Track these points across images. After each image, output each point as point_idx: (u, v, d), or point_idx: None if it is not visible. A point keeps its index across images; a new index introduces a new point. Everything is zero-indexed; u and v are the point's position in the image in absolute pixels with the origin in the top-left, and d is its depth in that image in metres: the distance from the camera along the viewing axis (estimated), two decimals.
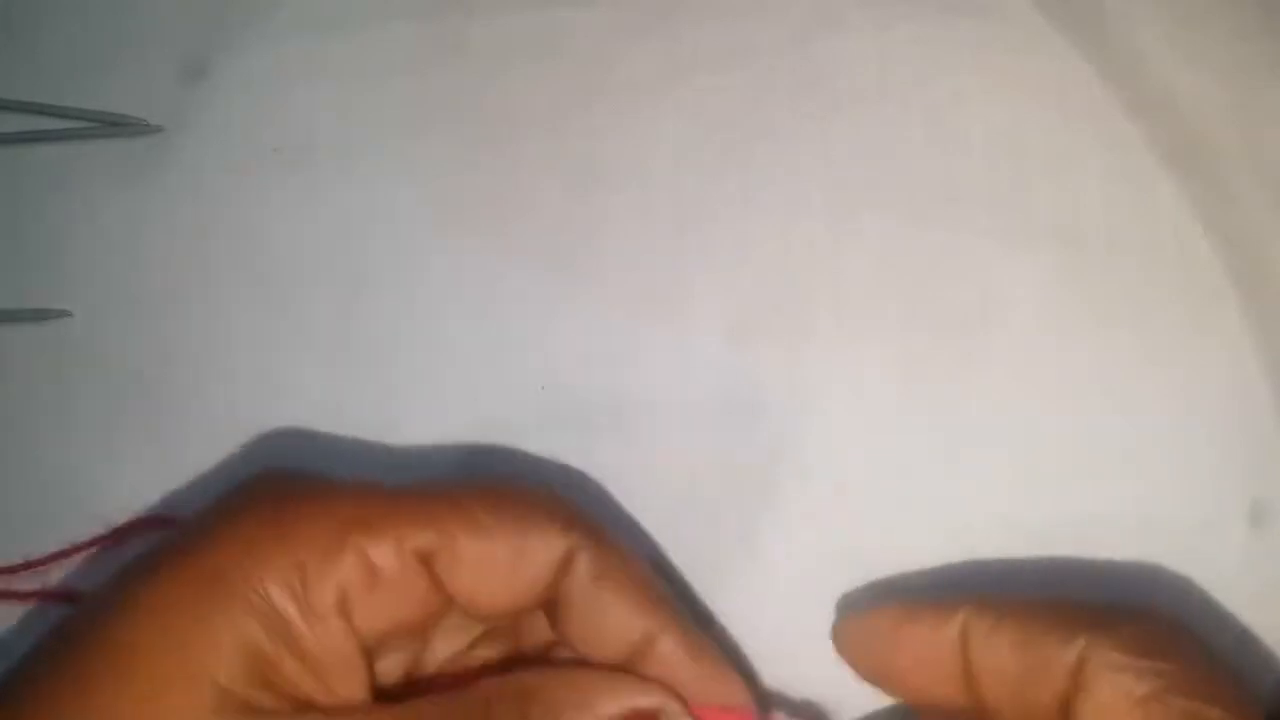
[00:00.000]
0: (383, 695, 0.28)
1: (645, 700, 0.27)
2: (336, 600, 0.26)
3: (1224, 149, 0.35)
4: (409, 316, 0.35)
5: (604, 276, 0.36)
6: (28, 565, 0.33)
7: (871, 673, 0.29)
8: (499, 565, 0.27)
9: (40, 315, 0.36)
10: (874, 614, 0.29)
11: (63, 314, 0.36)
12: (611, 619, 0.28)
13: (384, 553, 0.26)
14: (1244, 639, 0.32)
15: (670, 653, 0.28)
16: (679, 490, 0.34)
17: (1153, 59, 0.36)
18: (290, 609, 0.26)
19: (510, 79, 0.37)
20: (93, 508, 0.34)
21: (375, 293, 0.36)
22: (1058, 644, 0.26)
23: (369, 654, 0.27)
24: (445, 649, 0.30)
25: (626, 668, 0.28)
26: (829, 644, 0.31)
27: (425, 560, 0.27)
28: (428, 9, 0.37)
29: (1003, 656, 0.27)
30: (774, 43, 0.36)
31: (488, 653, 0.30)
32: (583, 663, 0.28)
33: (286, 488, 0.28)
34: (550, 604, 0.28)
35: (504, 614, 0.28)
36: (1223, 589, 0.33)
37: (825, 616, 0.32)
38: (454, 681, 0.29)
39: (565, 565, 0.27)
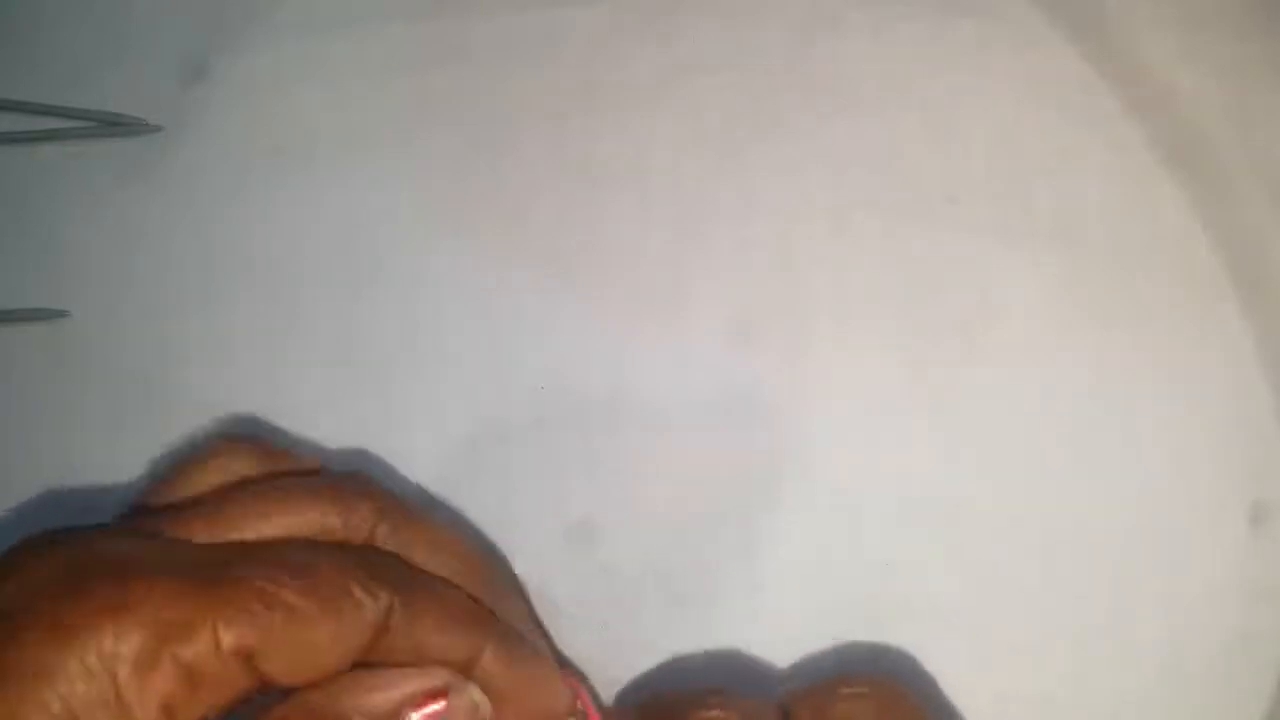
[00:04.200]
0: None
1: (429, 682, 0.27)
2: (161, 714, 0.25)
3: (1224, 149, 0.35)
4: (409, 316, 0.35)
5: (603, 277, 0.36)
6: None
7: None
8: (318, 648, 0.27)
9: (40, 315, 0.36)
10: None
11: (62, 314, 0.36)
12: (433, 651, 0.28)
13: (201, 655, 0.26)
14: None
15: (491, 665, 0.28)
16: (678, 490, 0.34)
17: (1153, 59, 0.36)
18: None
19: (510, 79, 0.37)
20: (93, 508, 0.34)
21: (375, 293, 0.36)
22: None
23: None
24: None
25: None
26: (828, 642, 0.31)
27: (245, 657, 0.26)
28: (428, 9, 0.37)
29: None
30: (774, 43, 0.36)
31: None
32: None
33: (75, 577, 0.26)
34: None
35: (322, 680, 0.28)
36: (1223, 589, 0.33)
37: (825, 616, 0.32)
38: None
39: (382, 627, 0.27)
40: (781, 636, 0.33)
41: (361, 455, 0.35)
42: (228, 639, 0.26)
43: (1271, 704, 0.33)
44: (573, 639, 0.33)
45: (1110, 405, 0.34)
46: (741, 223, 0.36)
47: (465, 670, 0.28)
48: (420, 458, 0.35)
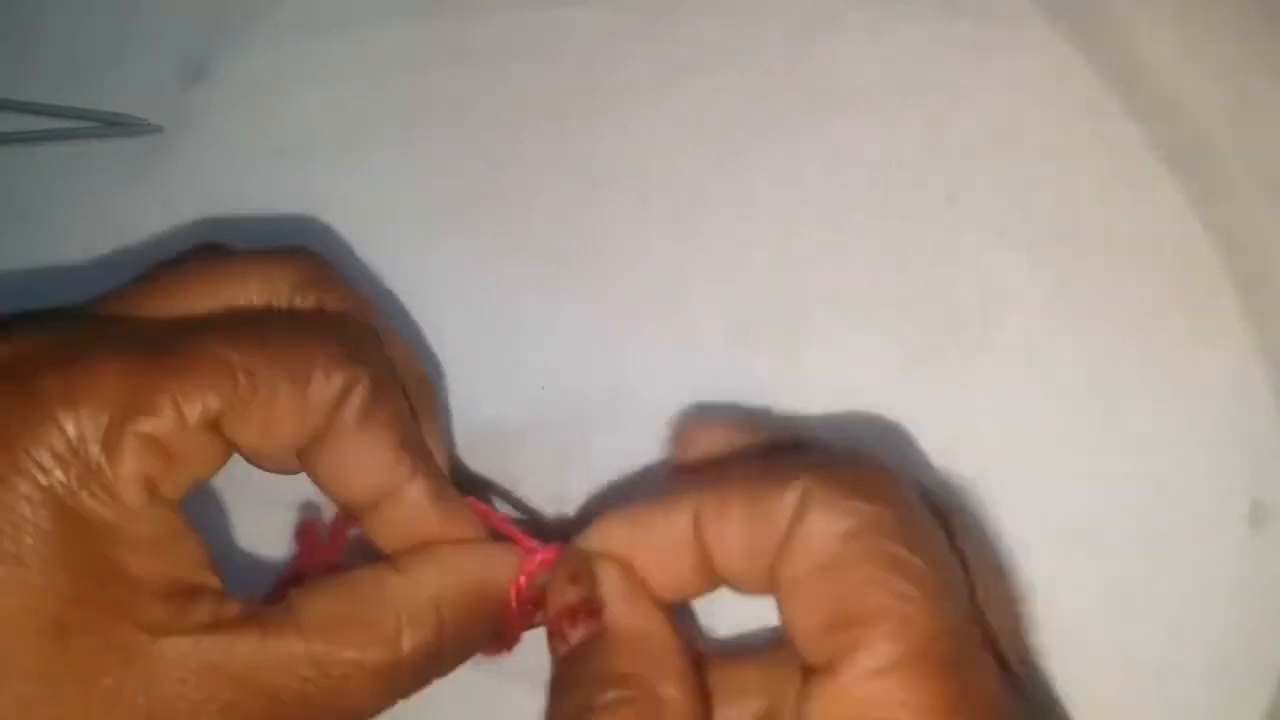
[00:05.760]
0: None
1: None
2: (142, 489, 0.26)
3: (1224, 149, 0.35)
4: (409, 317, 0.35)
5: (604, 276, 0.36)
6: None
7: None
8: (285, 416, 0.27)
9: None
10: (602, 526, 0.29)
11: None
12: (368, 462, 0.28)
13: (166, 429, 0.26)
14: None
15: (416, 500, 0.28)
16: None
17: (1153, 59, 0.36)
18: (102, 512, 0.25)
19: (510, 79, 0.37)
20: None
21: (375, 293, 0.36)
22: (779, 492, 0.26)
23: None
24: None
25: (372, 510, 0.28)
26: None
27: (211, 425, 0.26)
28: (428, 9, 0.37)
29: (733, 526, 0.26)
30: (774, 43, 0.36)
31: None
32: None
33: (22, 372, 0.26)
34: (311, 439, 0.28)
35: (285, 456, 0.28)
36: (1223, 589, 0.33)
37: None
38: None
39: (339, 401, 0.27)
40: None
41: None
42: (192, 411, 0.26)
43: (1271, 704, 0.33)
44: None
45: (1110, 405, 0.34)
46: (741, 222, 0.36)
47: (390, 494, 0.28)
48: None
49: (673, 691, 0.26)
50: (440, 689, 0.29)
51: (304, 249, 0.30)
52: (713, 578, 0.28)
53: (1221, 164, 0.35)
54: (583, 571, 0.28)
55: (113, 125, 0.36)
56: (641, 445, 0.34)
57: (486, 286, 0.36)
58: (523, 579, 0.29)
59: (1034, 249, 0.35)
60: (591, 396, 0.35)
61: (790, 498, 0.26)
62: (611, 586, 0.27)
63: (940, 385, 0.35)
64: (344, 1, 0.37)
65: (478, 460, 0.35)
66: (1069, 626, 0.33)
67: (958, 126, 0.36)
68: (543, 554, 0.29)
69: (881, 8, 0.36)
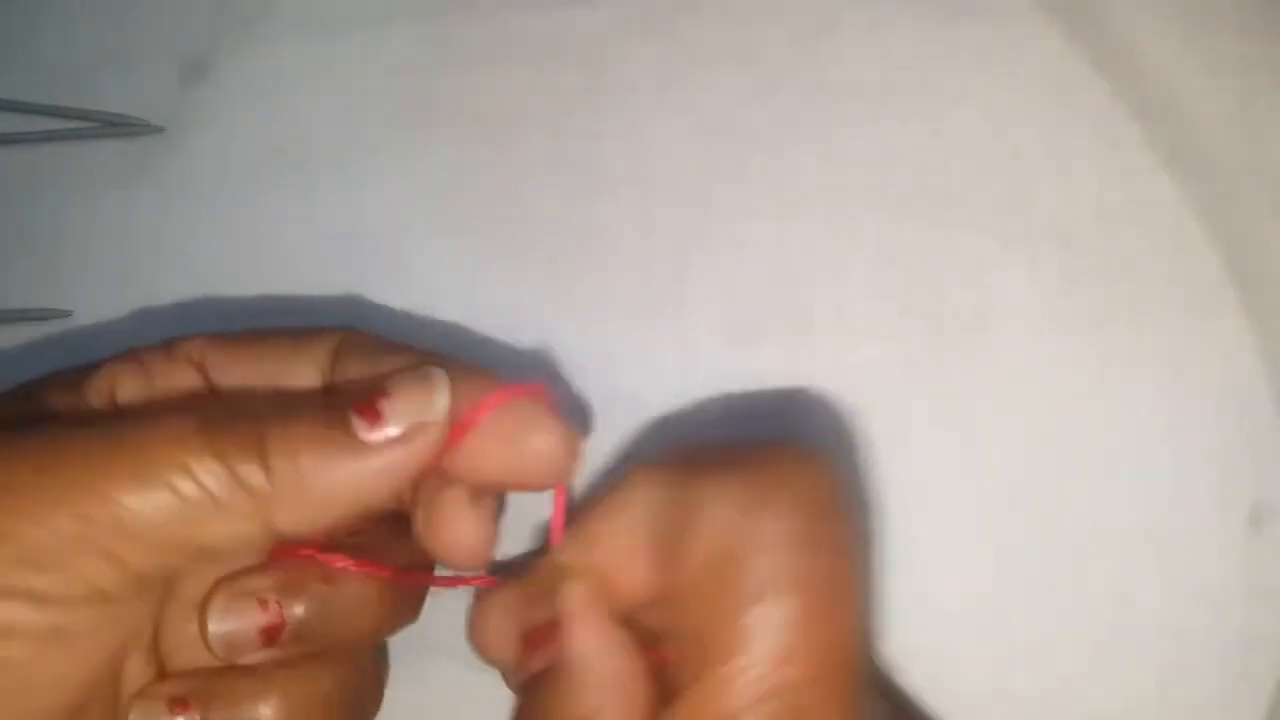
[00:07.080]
0: None
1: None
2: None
3: (1224, 149, 0.35)
4: (409, 317, 0.35)
5: (604, 277, 0.36)
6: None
7: None
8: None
9: (42, 315, 0.36)
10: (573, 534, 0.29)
11: (64, 314, 0.36)
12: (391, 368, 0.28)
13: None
14: None
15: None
16: None
17: (1153, 59, 0.36)
18: None
19: (510, 79, 0.37)
20: None
21: (375, 293, 0.36)
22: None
23: None
24: None
25: None
26: None
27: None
28: (428, 9, 0.37)
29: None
30: (774, 43, 0.36)
31: None
32: None
33: None
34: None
35: None
36: (1222, 589, 0.33)
37: None
38: None
39: (338, 356, 0.29)
40: None
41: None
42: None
43: (1271, 705, 0.33)
44: None
45: (1110, 406, 0.34)
46: (741, 223, 0.36)
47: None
48: None
49: None
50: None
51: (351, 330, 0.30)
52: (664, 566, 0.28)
53: (1221, 164, 0.35)
54: (546, 591, 0.28)
55: (113, 125, 0.36)
56: (641, 446, 0.34)
57: (486, 286, 0.36)
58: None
59: (1034, 249, 0.35)
60: (592, 396, 0.35)
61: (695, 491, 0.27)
62: (576, 606, 0.27)
63: (940, 385, 0.35)
64: (345, 2, 0.37)
65: None
66: (1068, 626, 0.33)
67: (958, 126, 0.36)
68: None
69: (881, 8, 0.36)
